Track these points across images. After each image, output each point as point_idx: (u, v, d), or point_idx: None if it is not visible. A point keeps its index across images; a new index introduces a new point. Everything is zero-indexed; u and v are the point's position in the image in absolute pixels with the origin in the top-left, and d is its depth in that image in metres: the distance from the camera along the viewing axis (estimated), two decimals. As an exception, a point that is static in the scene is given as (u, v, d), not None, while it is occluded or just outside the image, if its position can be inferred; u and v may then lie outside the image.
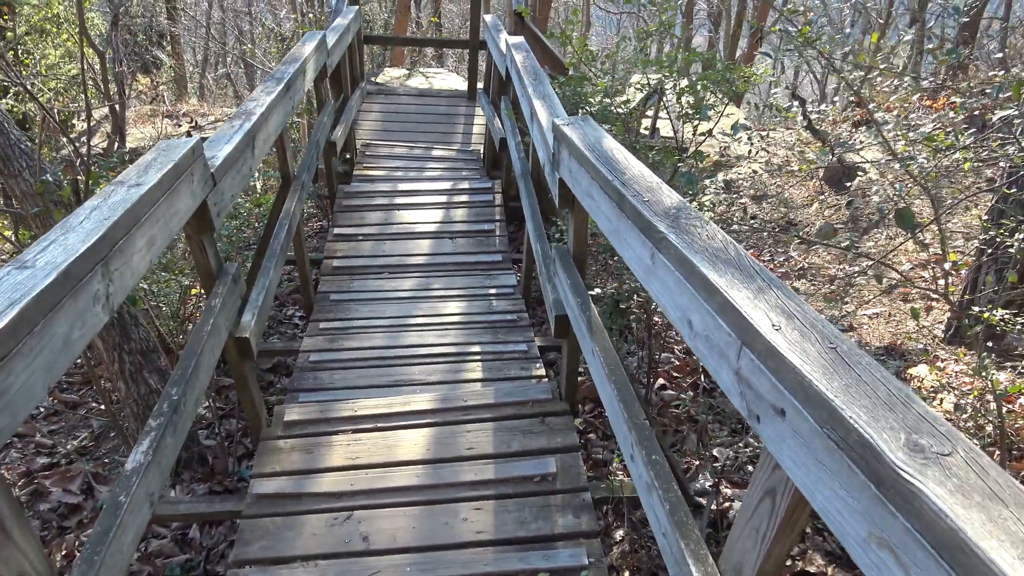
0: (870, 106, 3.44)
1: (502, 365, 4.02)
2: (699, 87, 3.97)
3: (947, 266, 2.68)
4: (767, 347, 1.32)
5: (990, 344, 4.78)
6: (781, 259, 7.43)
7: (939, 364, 4.76)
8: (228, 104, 17.90)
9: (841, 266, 6.92)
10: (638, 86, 4.97)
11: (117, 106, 10.43)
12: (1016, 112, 2.63)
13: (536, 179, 4.40)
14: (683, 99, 4.15)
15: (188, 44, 18.45)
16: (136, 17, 17.28)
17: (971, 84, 4.15)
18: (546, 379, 3.93)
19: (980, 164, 3.29)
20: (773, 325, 1.36)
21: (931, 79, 6.67)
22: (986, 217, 3.17)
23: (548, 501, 2.94)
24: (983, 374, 2.50)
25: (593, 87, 4.43)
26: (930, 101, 9.08)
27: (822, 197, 8.11)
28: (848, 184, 8.01)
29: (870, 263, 6.56)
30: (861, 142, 8.67)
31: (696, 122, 4.14)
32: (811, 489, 1.23)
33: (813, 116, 9.34)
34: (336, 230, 5.40)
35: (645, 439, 2.06)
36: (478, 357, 4.09)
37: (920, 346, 5.03)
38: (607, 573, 2.74)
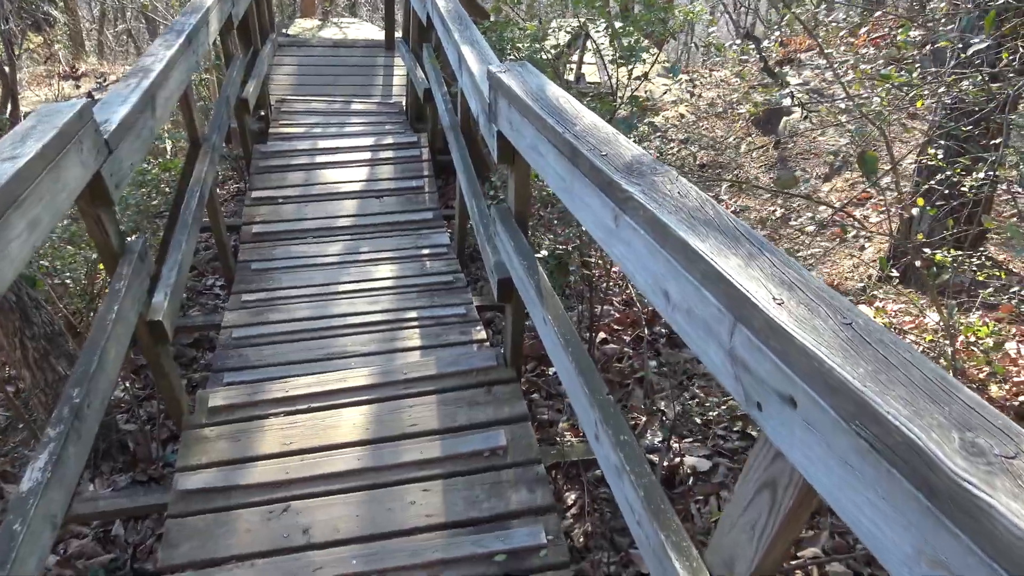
0: (819, 42, 3.28)
1: (441, 331, 3.79)
2: (631, 29, 3.74)
3: (915, 211, 2.55)
4: (769, 324, 1.13)
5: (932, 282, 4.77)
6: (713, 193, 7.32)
7: (878, 304, 4.72)
8: (130, 62, 16.89)
9: (773, 208, 6.87)
10: (567, 30, 4.71)
11: (6, 67, 9.65)
12: (986, 44, 2.49)
13: (466, 132, 4.13)
14: (615, 42, 3.92)
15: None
16: (24, -29, 16.07)
17: (930, 16, 4.01)
18: (487, 343, 3.72)
19: (934, 100, 3.15)
20: (774, 298, 1.16)
21: (886, 10, 6.57)
22: (940, 156, 3.06)
23: (500, 477, 2.74)
24: (952, 319, 2.39)
25: (521, 31, 4.16)
26: (851, 37, 9.02)
27: (750, 138, 8.03)
28: (799, 116, 7.93)
29: (807, 207, 6.51)
30: (789, 82, 8.59)
31: (630, 66, 3.92)
32: (832, 492, 1.04)
33: (744, 56, 9.21)
34: (254, 193, 5.04)
35: (611, 417, 1.87)
36: (415, 323, 3.85)
37: (860, 286, 4.99)
38: (567, 550, 2.58)
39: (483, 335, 3.77)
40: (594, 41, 8.59)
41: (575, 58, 9.51)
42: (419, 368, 3.26)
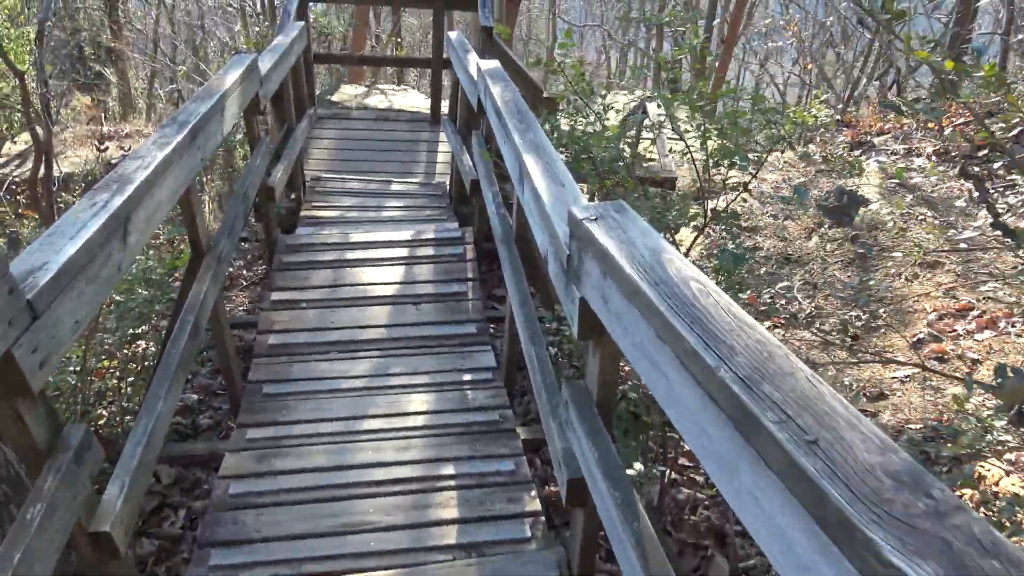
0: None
1: (483, 496, 2.97)
2: (730, 129, 2.96)
3: None
4: None
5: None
6: (783, 302, 6.48)
7: (1008, 456, 3.81)
8: (177, 123, 16.61)
9: (854, 312, 5.99)
10: (618, 108, 3.97)
11: (40, 129, 9.22)
12: None
13: (523, 245, 3.35)
14: (704, 143, 3.14)
15: (139, 59, 17.14)
16: (83, 31, 15.97)
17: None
18: (542, 519, 2.87)
19: None
20: None
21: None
22: None
23: None
24: None
25: (598, 130, 3.40)
26: (934, 124, 8.20)
27: (822, 230, 7.19)
28: (850, 217, 7.09)
29: (897, 313, 5.60)
30: (862, 166, 7.77)
31: (725, 172, 3.14)
32: None
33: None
34: (274, 295, 4.30)
35: None
36: (452, 483, 3.03)
37: (977, 426, 4.07)
38: None
39: (536, 505, 2.93)
40: (651, 120, 7.88)
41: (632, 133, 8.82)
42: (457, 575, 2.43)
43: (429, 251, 4.74)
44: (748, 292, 6.71)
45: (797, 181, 8.21)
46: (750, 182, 3.11)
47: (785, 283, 6.29)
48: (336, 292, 4.37)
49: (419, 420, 3.43)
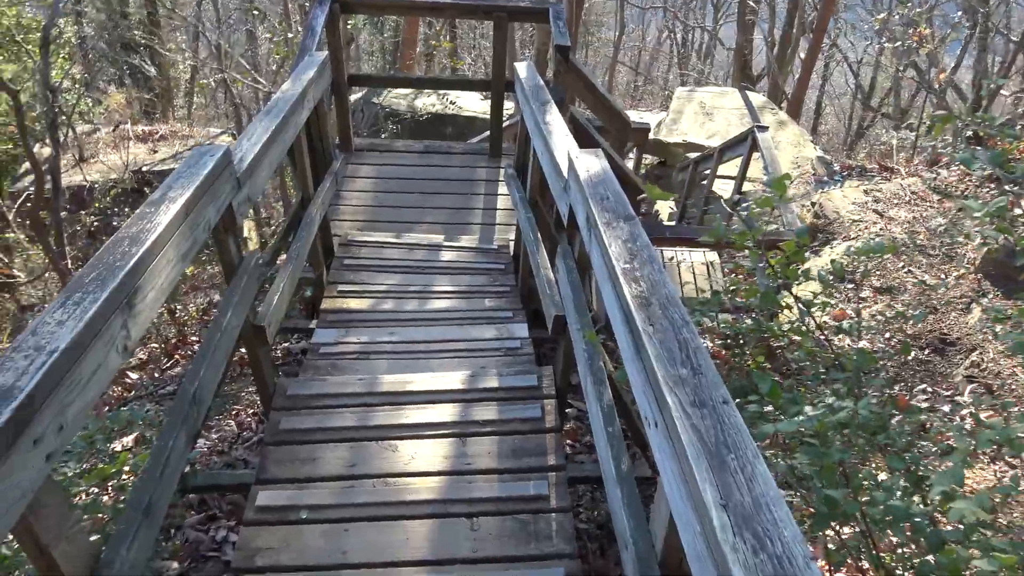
0: None
1: None
2: None
3: None
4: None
5: None
6: (946, 393, 4.73)
7: None
8: (221, 122, 15.17)
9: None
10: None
11: (47, 147, 7.86)
12: None
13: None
14: None
15: (181, 50, 15.65)
16: (132, 15, 14.52)
17: None
18: None
19: None
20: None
21: None
22: None
23: None
24: None
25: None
26: None
27: (985, 301, 5.39)
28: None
29: None
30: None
31: None
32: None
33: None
34: (262, 497, 2.72)
35: None
36: None
37: None
38: None
39: None
40: (763, 154, 6.12)
41: (734, 165, 7.09)
42: None
43: (490, 412, 3.11)
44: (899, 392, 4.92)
45: (935, 222, 6.37)
46: None
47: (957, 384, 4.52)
48: (353, 491, 2.78)
49: None
